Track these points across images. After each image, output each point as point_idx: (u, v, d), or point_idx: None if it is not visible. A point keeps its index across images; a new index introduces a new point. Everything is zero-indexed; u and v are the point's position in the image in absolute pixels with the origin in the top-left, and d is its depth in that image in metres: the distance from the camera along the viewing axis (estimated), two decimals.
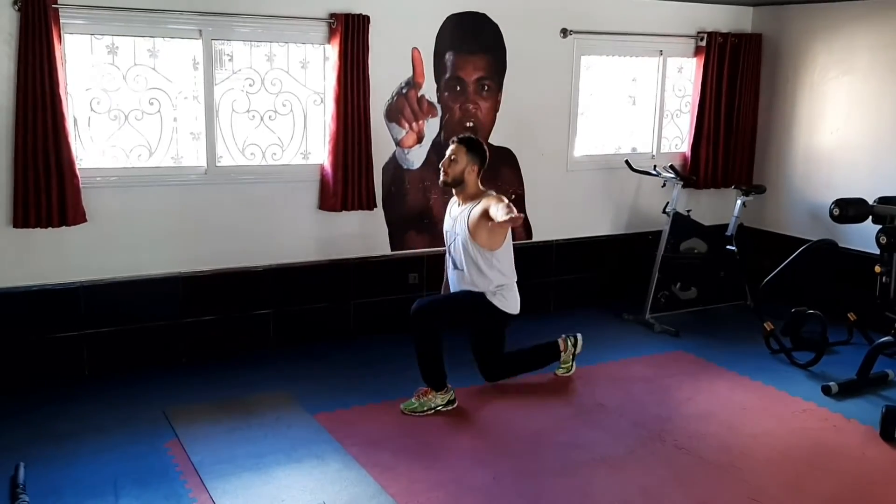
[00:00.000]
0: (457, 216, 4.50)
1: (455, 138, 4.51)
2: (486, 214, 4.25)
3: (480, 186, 4.48)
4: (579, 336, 4.91)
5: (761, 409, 4.51)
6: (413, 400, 4.38)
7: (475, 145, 4.47)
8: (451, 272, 4.60)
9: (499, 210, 4.11)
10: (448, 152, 4.47)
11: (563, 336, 4.88)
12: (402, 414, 4.33)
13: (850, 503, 3.58)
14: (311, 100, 5.17)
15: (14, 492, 3.39)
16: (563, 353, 4.85)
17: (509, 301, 4.52)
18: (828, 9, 6.11)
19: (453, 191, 4.56)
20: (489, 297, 4.45)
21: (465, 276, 4.46)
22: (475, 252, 4.40)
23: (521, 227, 5.90)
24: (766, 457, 3.95)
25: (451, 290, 4.60)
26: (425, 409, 4.35)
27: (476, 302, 4.46)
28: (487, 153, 4.51)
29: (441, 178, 4.49)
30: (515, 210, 4.04)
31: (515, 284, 4.58)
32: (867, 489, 3.69)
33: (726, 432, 4.21)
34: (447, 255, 4.61)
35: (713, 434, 4.18)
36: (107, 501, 3.41)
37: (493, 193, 4.41)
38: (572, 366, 4.91)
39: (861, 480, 3.76)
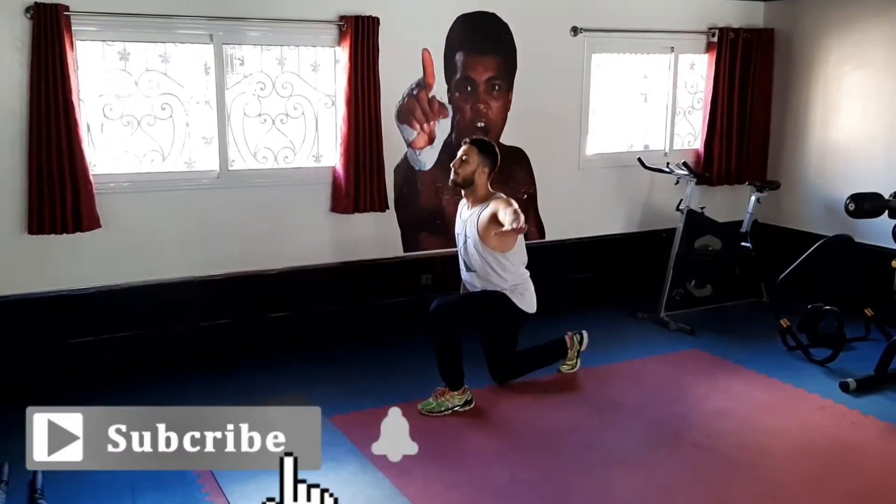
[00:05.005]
0: (466, 219, 4.50)
1: (467, 139, 4.52)
2: (495, 218, 4.25)
3: (490, 189, 4.48)
4: (585, 333, 4.90)
5: (778, 407, 4.48)
6: (431, 400, 4.38)
7: (487, 147, 4.48)
8: (464, 273, 4.60)
9: (506, 216, 4.12)
10: (459, 153, 4.47)
11: (570, 333, 4.87)
12: (418, 415, 4.31)
13: (869, 500, 3.56)
14: (323, 102, 5.18)
15: (32, 497, 3.41)
16: (569, 351, 4.85)
17: (526, 300, 4.52)
18: (841, 2, 6.06)
19: (462, 192, 4.56)
20: (508, 294, 4.45)
21: (480, 277, 4.47)
22: (486, 255, 4.40)
23: (534, 227, 5.89)
24: (783, 454, 3.92)
25: (470, 291, 4.60)
26: (442, 409, 4.34)
27: (496, 300, 4.45)
28: (499, 156, 4.51)
29: (451, 178, 4.50)
30: (522, 218, 4.05)
31: (531, 283, 4.57)
32: (886, 486, 3.67)
33: (744, 430, 4.18)
34: (460, 256, 4.62)
35: (730, 432, 4.16)
36: None
37: (503, 196, 4.41)
38: (577, 363, 4.89)
39: (880, 477, 3.73)
